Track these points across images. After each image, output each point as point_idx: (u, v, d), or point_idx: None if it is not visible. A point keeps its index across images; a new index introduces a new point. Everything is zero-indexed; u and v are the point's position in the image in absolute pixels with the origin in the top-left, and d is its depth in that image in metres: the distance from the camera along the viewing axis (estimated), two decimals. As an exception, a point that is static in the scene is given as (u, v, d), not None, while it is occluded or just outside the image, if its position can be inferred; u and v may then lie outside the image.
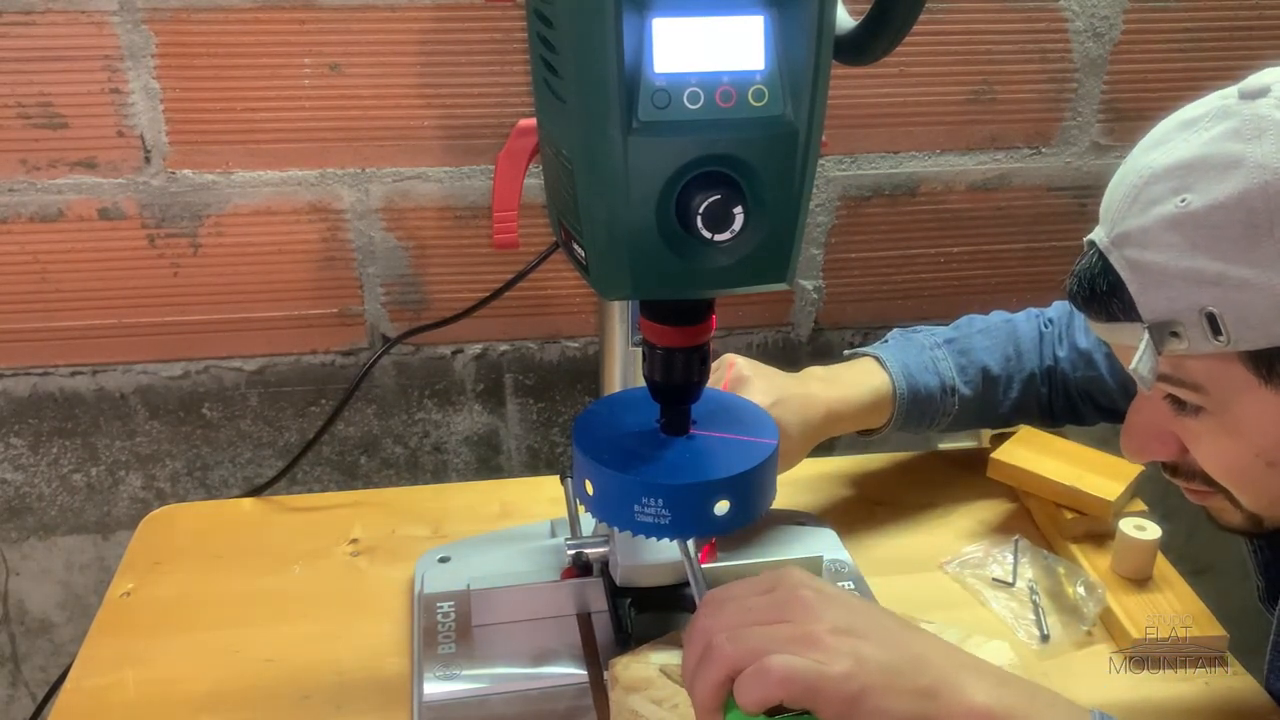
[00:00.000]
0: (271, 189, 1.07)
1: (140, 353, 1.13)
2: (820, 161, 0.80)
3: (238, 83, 1.03)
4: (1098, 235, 0.65)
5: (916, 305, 1.25)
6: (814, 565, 0.86)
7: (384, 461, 1.22)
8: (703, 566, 0.69)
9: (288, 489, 1.12)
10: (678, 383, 0.62)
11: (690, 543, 0.66)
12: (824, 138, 0.54)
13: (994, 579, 0.90)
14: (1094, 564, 0.90)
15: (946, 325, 0.99)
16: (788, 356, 1.24)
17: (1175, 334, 0.62)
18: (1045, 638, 0.84)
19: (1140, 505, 0.96)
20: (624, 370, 0.77)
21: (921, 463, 1.07)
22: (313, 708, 0.78)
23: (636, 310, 0.62)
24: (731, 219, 0.52)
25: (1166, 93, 1.16)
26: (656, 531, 0.61)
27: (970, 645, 0.81)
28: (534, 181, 0.74)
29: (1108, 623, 0.86)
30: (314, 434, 1.00)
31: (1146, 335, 0.62)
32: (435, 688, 0.76)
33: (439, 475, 1.24)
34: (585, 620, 0.82)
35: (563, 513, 0.89)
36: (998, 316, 0.99)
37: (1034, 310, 1.00)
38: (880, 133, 1.15)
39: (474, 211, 1.11)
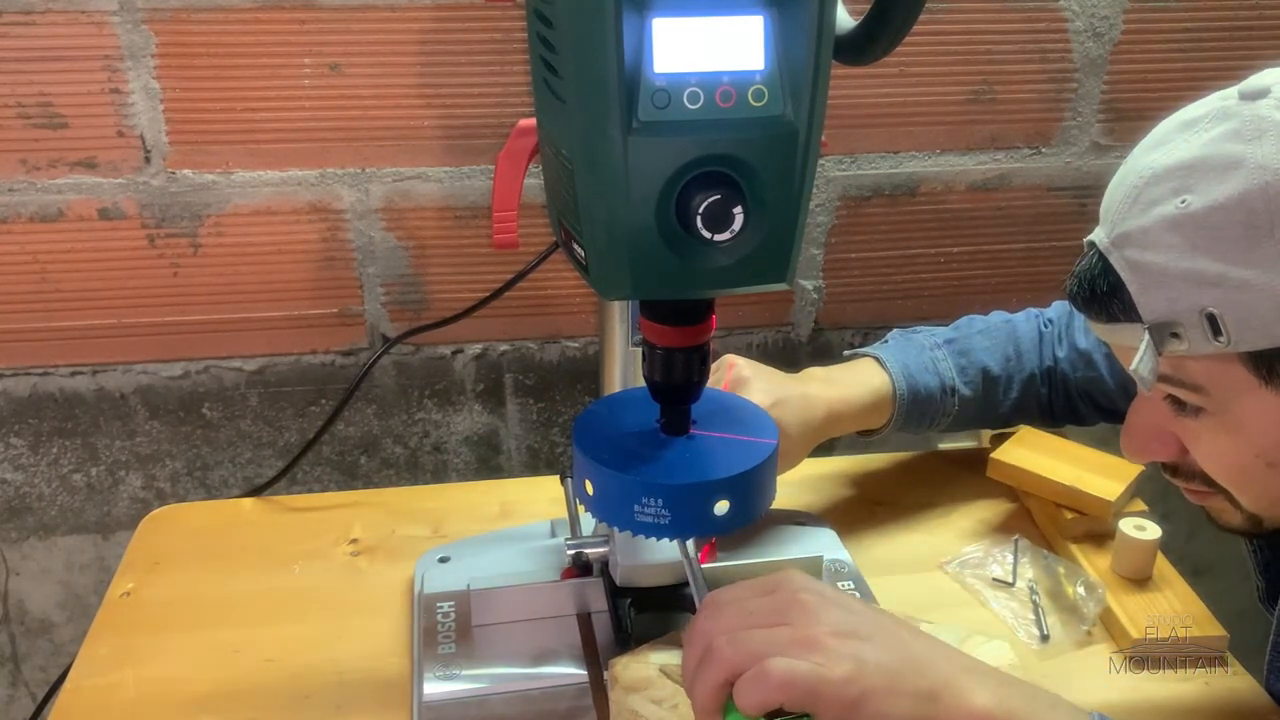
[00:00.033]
0: (271, 189, 1.07)
1: (140, 353, 1.13)
2: (820, 161, 0.80)
3: (238, 83, 1.02)
4: (1098, 236, 0.65)
5: (916, 305, 1.25)
6: (814, 565, 0.86)
7: (384, 461, 1.22)
8: (703, 566, 0.69)
9: (288, 489, 1.12)
10: (678, 383, 0.62)
11: (690, 543, 0.66)
12: (824, 138, 0.54)
13: (994, 579, 0.90)
14: (1094, 564, 0.90)
15: (946, 325, 0.99)
16: (788, 356, 1.24)
17: (1175, 335, 0.61)
18: (1045, 638, 0.84)
19: (1140, 505, 0.96)
20: (624, 370, 0.77)
21: (921, 463, 1.07)
22: (313, 708, 0.78)
23: (636, 310, 0.62)
24: (731, 219, 0.52)
25: (1166, 93, 1.16)
26: (656, 531, 0.61)
27: (970, 645, 0.81)
28: (534, 181, 0.74)
29: (1108, 623, 0.86)
30: (314, 434, 1.00)
31: (1147, 336, 0.62)
32: (435, 688, 0.76)
33: (439, 475, 1.24)
34: (585, 620, 0.82)
35: (563, 513, 0.89)
36: (997, 317, 0.99)
37: (1034, 310, 1.00)
38: (880, 133, 1.15)
39: (474, 211, 1.11)
